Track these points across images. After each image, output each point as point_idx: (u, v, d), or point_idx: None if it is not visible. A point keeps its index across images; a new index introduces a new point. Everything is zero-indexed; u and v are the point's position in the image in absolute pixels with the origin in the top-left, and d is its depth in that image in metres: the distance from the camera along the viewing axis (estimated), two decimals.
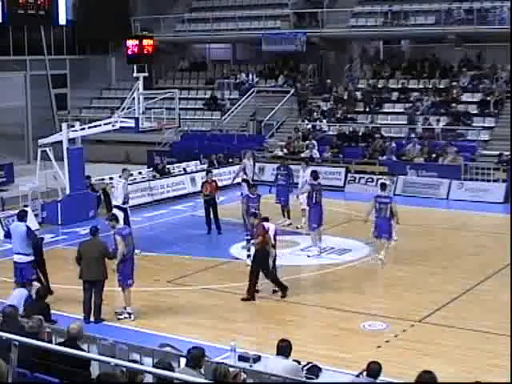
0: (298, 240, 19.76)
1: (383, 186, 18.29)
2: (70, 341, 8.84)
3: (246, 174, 22.71)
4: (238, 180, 22.99)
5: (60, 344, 8.81)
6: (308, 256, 18.26)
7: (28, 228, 14.89)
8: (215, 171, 26.93)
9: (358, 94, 32.53)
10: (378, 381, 8.40)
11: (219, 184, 26.74)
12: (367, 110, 31.68)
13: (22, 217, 15.17)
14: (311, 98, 33.80)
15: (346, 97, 32.42)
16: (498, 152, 26.63)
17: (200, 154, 29.97)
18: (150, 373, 7.39)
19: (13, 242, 15.03)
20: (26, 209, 18.24)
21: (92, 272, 13.85)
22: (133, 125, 22.45)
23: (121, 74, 37.45)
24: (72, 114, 37.08)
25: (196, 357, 8.10)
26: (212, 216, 21.09)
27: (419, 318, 13.95)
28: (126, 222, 18.38)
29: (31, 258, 14.74)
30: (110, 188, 20.80)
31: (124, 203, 19.26)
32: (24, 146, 35.45)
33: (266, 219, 15.96)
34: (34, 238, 15.10)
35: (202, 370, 8.12)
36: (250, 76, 36.37)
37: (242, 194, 20.86)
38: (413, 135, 28.95)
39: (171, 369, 7.59)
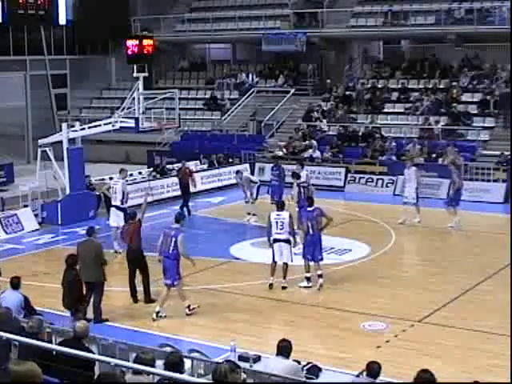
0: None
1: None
2: (75, 340, 8.83)
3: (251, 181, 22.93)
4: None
5: (65, 342, 8.79)
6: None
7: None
8: (216, 171, 27.72)
9: (366, 94, 32.47)
10: (377, 381, 8.40)
11: (219, 184, 27.46)
12: (369, 108, 31.69)
13: None
14: (311, 98, 33.85)
15: (353, 96, 32.38)
16: (498, 152, 26.64)
17: (200, 154, 29.95)
18: (151, 373, 7.36)
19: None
20: None
21: (89, 273, 13.70)
22: (133, 125, 22.48)
23: (121, 74, 37.44)
24: (72, 114, 37.07)
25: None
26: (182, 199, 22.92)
27: (419, 318, 13.95)
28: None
29: None
30: (107, 189, 20.65)
31: (122, 203, 19.23)
32: (24, 146, 35.44)
33: None
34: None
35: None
36: (250, 76, 36.37)
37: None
38: (413, 135, 28.97)
39: (179, 368, 7.54)
